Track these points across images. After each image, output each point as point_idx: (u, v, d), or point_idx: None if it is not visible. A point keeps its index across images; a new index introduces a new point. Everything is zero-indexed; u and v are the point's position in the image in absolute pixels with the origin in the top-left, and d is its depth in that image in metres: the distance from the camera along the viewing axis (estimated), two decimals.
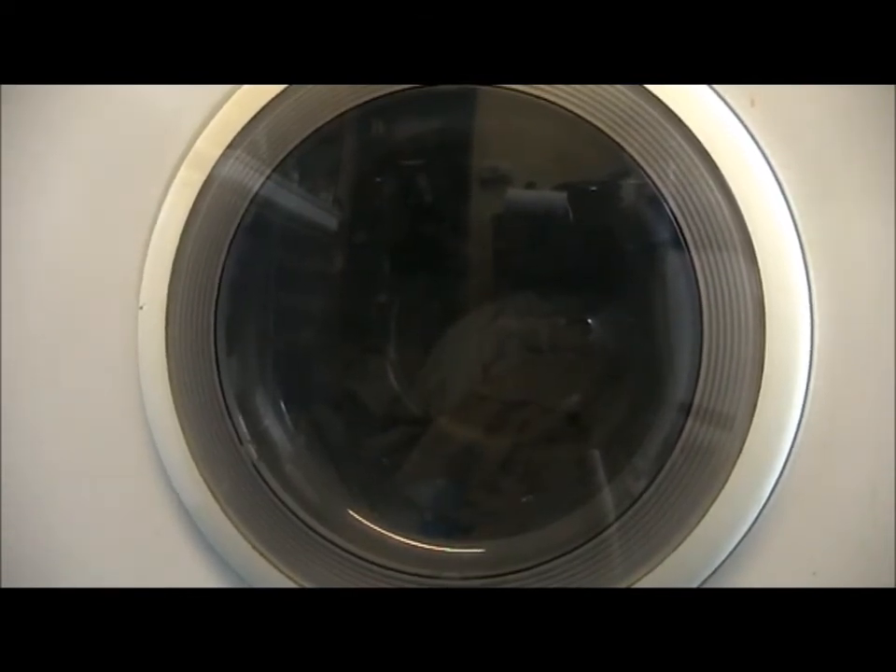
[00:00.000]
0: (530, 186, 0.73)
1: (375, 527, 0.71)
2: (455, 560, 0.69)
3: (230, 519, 0.69)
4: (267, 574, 0.69)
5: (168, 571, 0.73)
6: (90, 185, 0.72)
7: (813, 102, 0.59)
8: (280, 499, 0.70)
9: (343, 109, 0.66)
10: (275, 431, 0.73)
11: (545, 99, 0.63)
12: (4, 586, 0.73)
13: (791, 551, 0.62)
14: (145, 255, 0.70)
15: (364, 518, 0.72)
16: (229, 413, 0.70)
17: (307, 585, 0.69)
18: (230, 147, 0.68)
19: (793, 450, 0.60)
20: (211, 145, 0.68)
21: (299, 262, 0.76)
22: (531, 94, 0.63)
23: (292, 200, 0.71)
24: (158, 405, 0.70)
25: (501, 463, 0.76)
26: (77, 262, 0.72)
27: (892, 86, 0.57)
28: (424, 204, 0.77)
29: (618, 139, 0.62)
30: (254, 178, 0.68)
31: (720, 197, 0.60)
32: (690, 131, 0.61)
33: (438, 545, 0.70)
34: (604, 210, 0.69)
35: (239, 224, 0.68)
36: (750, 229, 0.59)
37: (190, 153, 0.69)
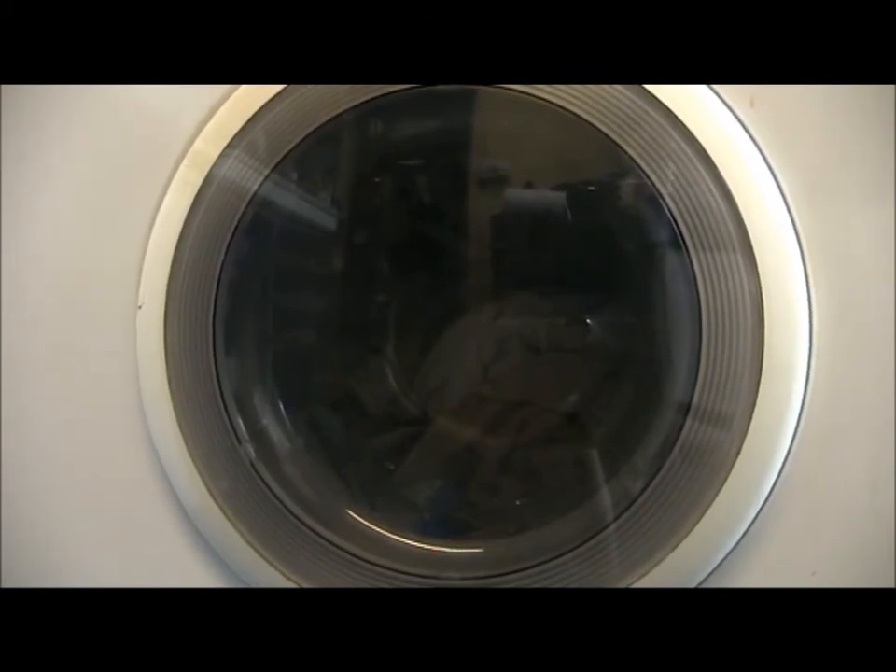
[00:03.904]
0: (529, 186, 0.73)
1: (374, 527, 0.71)
2: (454, 560, 0.69)
3: (228, 519, 0.69)
4: (265, 574, 0.69)
5: (166, 571, 0.73)
6: (89, 184, 0.72)
7: (812, 102, 0.59)
8: (279, 499, 0.70)
9: (341, 109, 0.66)
10: (274, 431, 0.73)
11: (544, 99, 0.63)
12: (4, 586, 0.73)
13: (789, 551, 0.62)
14: (143, 254, 0.70)
15: (363, 518, 0.72)
16: (227, 413, 0.70)
17: (306, 585, 0.69)
18: (228, 146, 0.68)
19: (792, 450, 0.60)
20: (210, 145, 0.68)
21: (297, 262, 0.76)
22: (530, 94, 0.63)
23: (291, 200, 0.71)
24: (156, 404, 0.70)
25: (500, 463, 0.76)
26: (75, 262, 0.72)
27: (892, 86, 0.57)
28: (423, 204, 0.77)
29: (617, 139, 0.62)
30: (252, 178, 0.68)
31: (718, 197, 0.60)
32: (689, 131, 0.61)
33: (437, 545, 0.70)
34: (603, 210, 0.69)
35: (238, 224, 0.68)
36: (749, 229, 0.59)
37: (189, 153, 0.69)
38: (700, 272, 0.60)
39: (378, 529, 0.71)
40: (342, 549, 0.69)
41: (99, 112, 0.71)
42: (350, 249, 0.77)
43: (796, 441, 0.60)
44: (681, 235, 0.61)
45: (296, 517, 0.69)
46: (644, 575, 0.63)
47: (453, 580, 0.68)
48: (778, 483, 0.61)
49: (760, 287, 0.59)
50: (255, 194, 0.68)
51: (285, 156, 0.67)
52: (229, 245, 0.69)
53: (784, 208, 0.60)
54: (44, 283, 0.73)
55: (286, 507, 0.70)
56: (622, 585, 0.63)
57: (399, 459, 0.77)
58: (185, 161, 0.69)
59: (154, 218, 0.70)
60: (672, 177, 0.61)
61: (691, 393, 0.61)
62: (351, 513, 0.72)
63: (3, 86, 0.70)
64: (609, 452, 0.70)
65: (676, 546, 0.62)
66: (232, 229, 0.68)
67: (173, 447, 0.70)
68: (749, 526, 0.61)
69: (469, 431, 0.78)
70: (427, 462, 0.77)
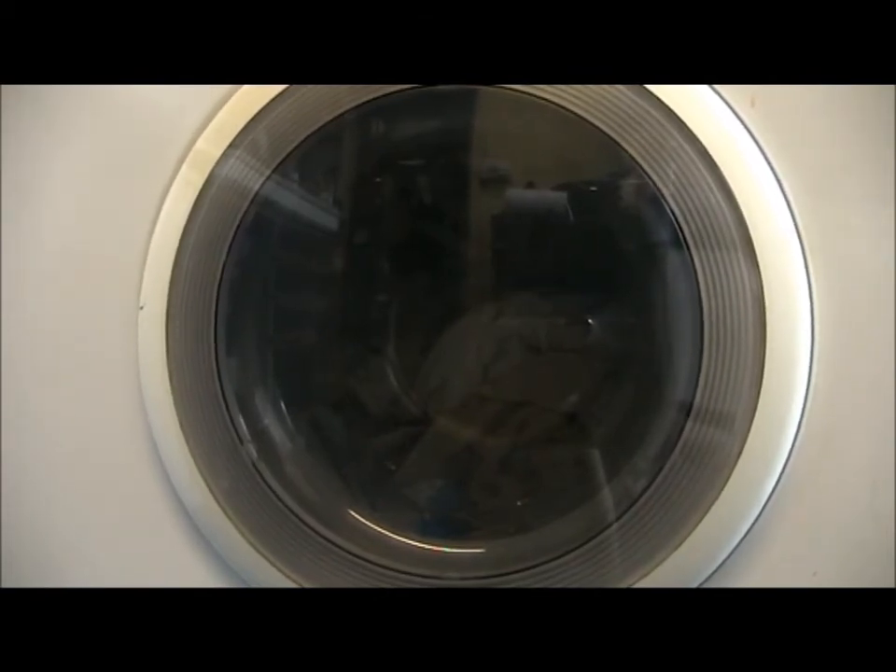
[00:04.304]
0: (530, 186, 0.73)
1: (375, 527, 0.71)
2: (454, 560, 0.69)
3: (229, 519, 0.69)
4: (267, 574, 0.69)
5: (168, 571, 0.72)
6: (90, 185, 0.72)
7: (813, 101, 0.60)
8: (280, 499, 0.70)
9: (342, 109, 0.66)
10: (275, 431, 0.73)
11: (545, 99, 0.63)
12: (4, 586, 0.73)
13: (791, 551, 0.62)
14: (145, 255, 0.70)
15: (364, 518, 0.72)
16: (229, 413, 0.70)
17: (307, 585, 0.69)
18: (230, 146, 0.68)
19: (794, 450, 0.60)
20: (211, 145, 0.68)
21: (299, 262, 0.76)
22: (531, 94, 0.63)
23: (292, 200, 0.71)
24: (158, 405, 0.70)
25: (501, 463, 0.76)
26: (77, 262, 0.72)
27: (892, 86, 0.57)
28: (423, 204, 0.77)
29: (618, 139, 0.62)
30: (254, 178, 0.68)
31: (720, 196, 0.60)
32: (690, 130, 0.61)
33: (438, 545, 0.70)
34: (604, 210, 0.69)
35: (239, 224, 0.68)
36: (750, 228, 0.59)
37: (191, 153, 0.69)
38: (701, 271, 0.60)
39: (379, 529, 0.71)
40: (342, 549, 0.69)
41: (100, 112, 0.71)
42: (351, 249, 0.77)
43: (798, 441, 0.60)
44: (683, 235, 0.61)
45: (297, 517, 0.69)
46: (646, 575, 0.63)
47: (453, 580, 0.68)
48: (780, 484, 0.61)
49: (761, 287, 0.59)
50: (256, 194, 0.68)
51: (286, 156, 0.67)
52: (230, 246, 0.69)
53: (785, 207, 0.60)
54: (45, 283, 0.73)
55: (287, 507, 0.70)
56: (623, 585, 0.63)
57: (400, 459, 0.77)
58: (186, 161, 0.69)
59: (156, 219, 0.69)
60: (673, 177, 0.61)
61: (692, 393, 0.61)
62: (352, 513, 0.72)
63: (3, 86, 0.70)
64: (610, 452, 0.70)
65: (677, 546, 0.62)
66: (234, 229, 0.68)
67: (174, 447, 0.70)
68: (751, 527, 0.61)
69: (469, 431, 0.78)
70: (427, 462, 0.77)
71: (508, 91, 0.64)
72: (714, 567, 0.62)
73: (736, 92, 0.61)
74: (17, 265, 0.73)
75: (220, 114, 0.68)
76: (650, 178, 0.61)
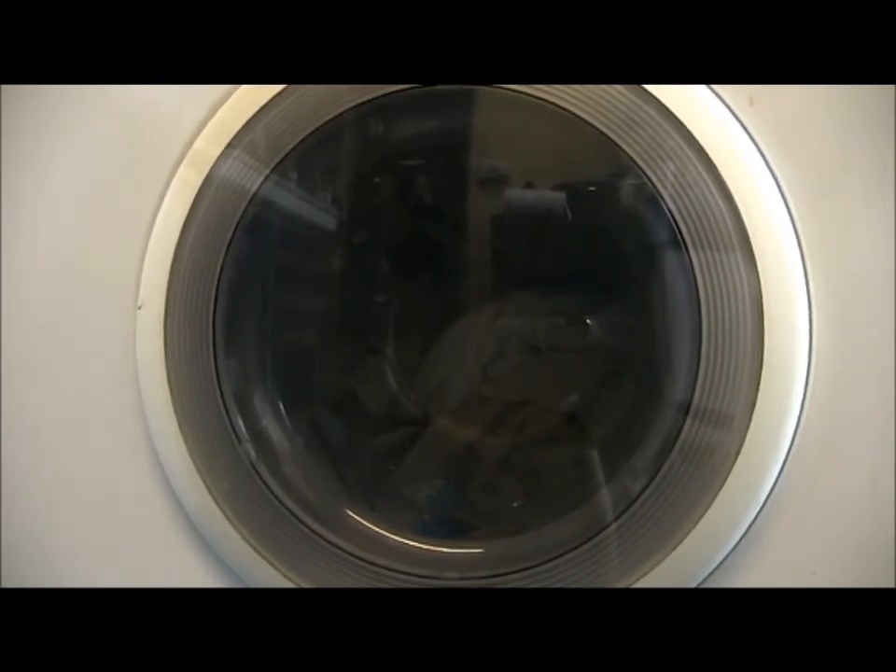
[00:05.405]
0: (529, 186, 0.73)
1: (374, 527, 0.71)
2: (453, 560, 0.69)
3: (228, 519, 0.69)
4: (265, 574, 0.69)
5: (166, 571, 0.73)
6: (89, 185, 0.72)
7: (812, 102, 0.60)
8: (279, 499, 0.70)
9: (341, 109, 0.66)
10: (274, 431, 0.73)
11: (544, 99, 0.63)
12: (4, 586, 0.73)
13: (789, 551, 0.62)
14: (143, 254, 0.70)
15: (363, 518, 0.72)
16: (227, 413, 0.70)
17: (305, 585, 0.69)
18: (228, 146, 0.68)
19: (792, 450, 0.60)
20: (210, 144, 0.68)
21: (297, 262, 0.76)
22: (530, 94, 0.63)
23: (291, 200, 0.71)
24: (156, 405, 0.70)
25: (500, 463, 0.76)
26: (75, 262, 0.72)
27: (892, 86, 0.57)
28: (423, 205, 0.77)
29: (616, 139, 0.62)
30: (253, 178, 0.68)
31: (718, 197, 0.60)
32: (688, 131, 0.61)
33: (436, 545, 0.70)
34: (603, 210, 0.69)
35: (238, 224, 0.68)
36: (749, 229, 0.59)
37: (189, 153, 0.69)
38: (700, 271, 0.60)
39: (378, 529, 0.71)
40: (341, 549, 0.69)
41: (98, 112, 0.71)
42: (350, 249, 0.77)
43: (796, 440, 0.60)
44: (681, 235, 0.61)
45: (296, 517, 0.69)
46: (644, 575, 0.63)
47: (452, 580, 0.68)
48: (778, 483, 0.61)
49: (759, 287, 0.59)
50: (255, 194, 0.68)
51: (285, 156, 0.67)
52: (229, 246, 0.69)
53: (783, 208, 0.60)
54: (44, 283, 0.73)
55: (286, 507, 0.70)
56: (622, 585, 0.63)
57: (399, 459, 0.77)
58: (185, 161, 0.69)
59: (154, 218, 0.70)
60: (671, 177, 0.61)
61: (691, 393, 0.61)
62: (351, 513, 0.72)
63: (3, 86, 0.70)
64: (609, 452, 0.70)
65: (676, 546, 0.62)
66: (232, 229, 0.68)
67: (173, 447, 0.70)
68: (749, 526, 0.61)
69: (468, 431, 0.78)
70: (426, 462, 0.77)
71: (506, 91, 0.64)
72: (713, 567, 0.62)
73: (735, 92, 0.61)
74: (15, 265, 0.73)
75: (219, 114, 0.68)
76: (648, 178, 0.61)
